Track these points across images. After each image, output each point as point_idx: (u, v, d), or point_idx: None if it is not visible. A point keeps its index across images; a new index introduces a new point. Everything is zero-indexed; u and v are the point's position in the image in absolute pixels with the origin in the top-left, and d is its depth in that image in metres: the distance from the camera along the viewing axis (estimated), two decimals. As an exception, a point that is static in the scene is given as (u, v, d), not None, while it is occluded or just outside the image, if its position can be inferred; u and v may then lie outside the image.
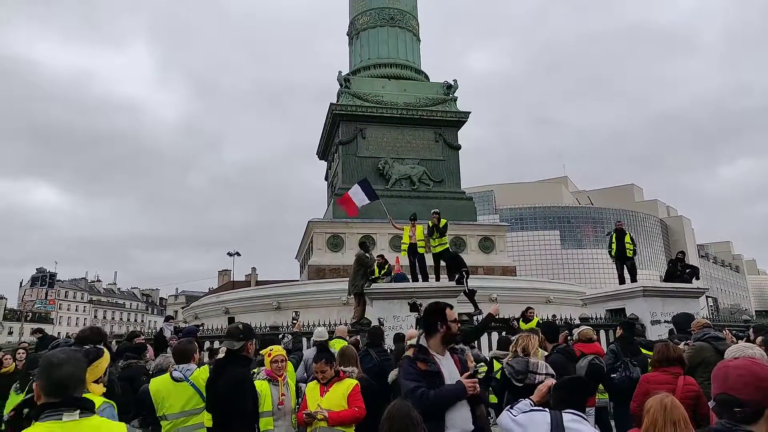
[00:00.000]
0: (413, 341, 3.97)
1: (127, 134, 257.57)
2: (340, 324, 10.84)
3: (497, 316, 6.02)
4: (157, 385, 4.44)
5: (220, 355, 4.83)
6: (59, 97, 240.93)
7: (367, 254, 13.57)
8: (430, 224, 12.91)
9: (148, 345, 8.04)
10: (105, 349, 3.83)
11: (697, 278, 14.13)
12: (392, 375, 6.15)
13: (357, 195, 16.66)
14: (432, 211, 13.46)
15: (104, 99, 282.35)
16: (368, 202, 16.81)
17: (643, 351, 7.34)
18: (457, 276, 12.91)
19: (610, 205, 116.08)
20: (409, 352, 3.88)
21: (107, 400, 3.09)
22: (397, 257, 16.20)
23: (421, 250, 12.73)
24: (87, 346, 4.21)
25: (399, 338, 9.18)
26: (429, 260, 13.42)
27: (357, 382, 4.89)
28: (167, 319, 16.20)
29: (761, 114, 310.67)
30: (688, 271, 14.00)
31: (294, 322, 11.50)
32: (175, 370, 4.51)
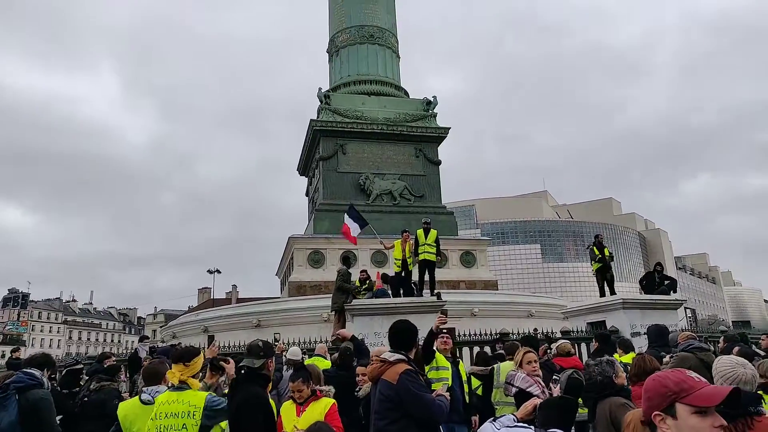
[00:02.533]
0: (386, 356, 3.88)
1: (95, 154, 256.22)
2: (320, 342, 10.67)
3: (441, 330, 5.89)
4: (125, 409, 4.28)
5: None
6: (24, 119, 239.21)
7: (348, 269, 13.46)
8: (419, 232, 12.82)
9: (121, 366, 7.78)
10: None
11: (674, 291, 14.26)
12: (364, 390, 6.04)
13: (351, 225, 16.78)
14: (423, 220, 13.44)
15: (71, 120, 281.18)
16: (360, 231, 16.85)
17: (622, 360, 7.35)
18: (436, 291, 12.86)
19: (590, 218, 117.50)
20: (397, 368, 3.79)
21: None
22: (378, 273, 16.12)
23: (411, 267, 12.65)
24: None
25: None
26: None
27: (334, 401, 4.78)
28: (142, 339, 15.84)
29: (716, 130, 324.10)
30: (666, 282, 14.15)
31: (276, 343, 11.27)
32: (144, 392, 4.35)
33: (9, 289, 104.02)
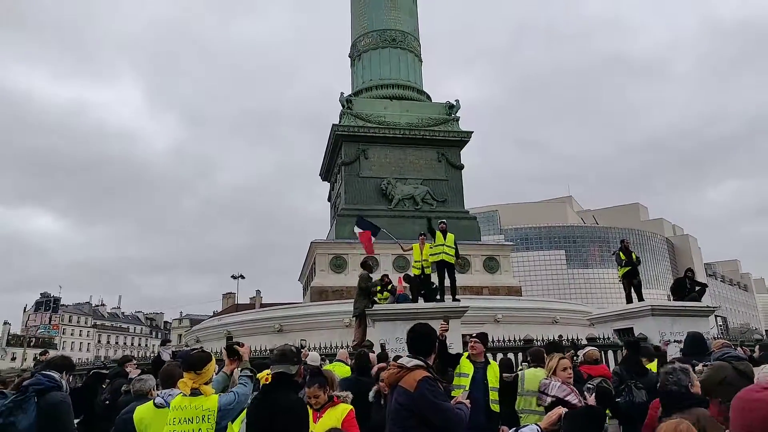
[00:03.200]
0: (404, 361, 3.75)
1: (119, 162, 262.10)
2: (341, 347, 10.57)
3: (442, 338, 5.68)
4: (141, 413, 4.22)
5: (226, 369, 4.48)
6: (52, 127, 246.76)
7: (369, 274, 13.32)
8: (438, 234, 12.64)
9: (134, 369, 7.78)
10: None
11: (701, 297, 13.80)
12: (373, 392, 5.93)
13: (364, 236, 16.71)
14: (440, 221, 13.26)
15: (96, 129, 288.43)
16: (374, 238, 16.75)
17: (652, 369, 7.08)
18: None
19: (616, 224, 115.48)
20: (415, 375, 3.63)
21: None
22: (400, 278, 15.98)
23: (428, 271, 12.47)
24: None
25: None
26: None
27: (351, 407, 4.66)
28: (164, 342, 15.96)
29: (739, 138, 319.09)
30: (697, 288, 13.70)
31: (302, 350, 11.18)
32: (158, 395, 4.29)
33: (41, 293, 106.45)
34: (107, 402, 6.83)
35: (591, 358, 6.21)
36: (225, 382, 4.22)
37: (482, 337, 6.72)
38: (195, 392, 3.87)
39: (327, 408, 4.60)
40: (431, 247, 12.52)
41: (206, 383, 3.96)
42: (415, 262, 12.76)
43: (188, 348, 18.21)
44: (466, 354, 6.57)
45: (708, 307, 13.30)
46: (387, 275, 14.89)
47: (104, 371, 7.33)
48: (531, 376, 6.76)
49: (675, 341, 11.86)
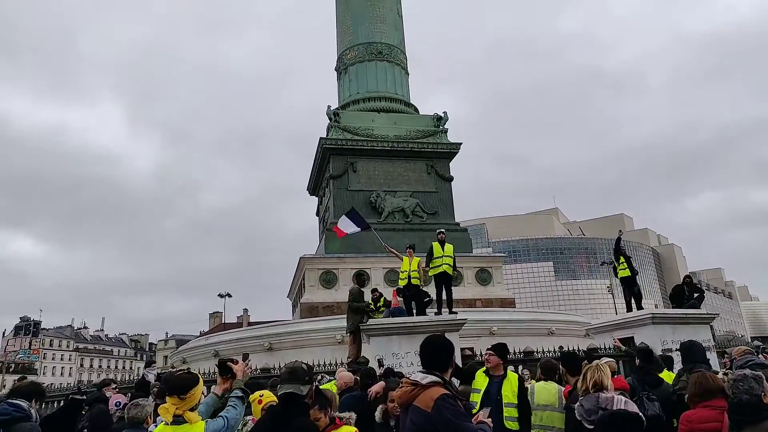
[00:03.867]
0: (417, 377, 3.34)
1: (101, 184, 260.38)
2: (335, 364, 10.08)
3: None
4: None
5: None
6: (31, 150, 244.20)
7: (361, 289, 12.86)
8: (435, 245, 12.29)
9: (114, 394, 7.25)
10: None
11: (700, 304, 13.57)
12: (379, 412, 5.46)
13: (344, 223, 16.15)
14: (438, 231, 12.93)
15: (77, 151, 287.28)
16: (359, 230, 16.21)
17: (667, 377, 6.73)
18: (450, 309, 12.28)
19: (602, 234, 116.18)
20: (431, 393, 3.21)
21: None
22: (394, 291, 15.55)
23: (415, 282, 12.05)
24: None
25: (389, 374, 8.47)
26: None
27: (355, 429, 4.23)
28: (149, 364, 15.31)
29: (713, 149, 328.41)
30: (696, 296, 13.46)
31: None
32: (155, 425, 3.82)
33: (21, 318, 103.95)
34: (85, 430, 6.32)
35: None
36: (215, 404, 3.77)
37: (498, 348, 6.30)
38: (178, 420, 3.42)
39: (329, 431, 4.18)
40: (432, 259, 12.17)
41: (192, 409, 3.52)
42: (402, 272, 12.39)
43: (174, 369, 17.53)
44: (483, 369, 6.16)
45: (709, 314, 13.06)
46: (376, 289, 14.49)
47: (80, 397, 6.77)
48: (541, 389, 6.36)
49: (676, 350, 11.58)
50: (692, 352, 6.23)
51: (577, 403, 4.19)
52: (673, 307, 13.68)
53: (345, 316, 13.37)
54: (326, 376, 8.43)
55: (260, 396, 4.30)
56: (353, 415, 4.46)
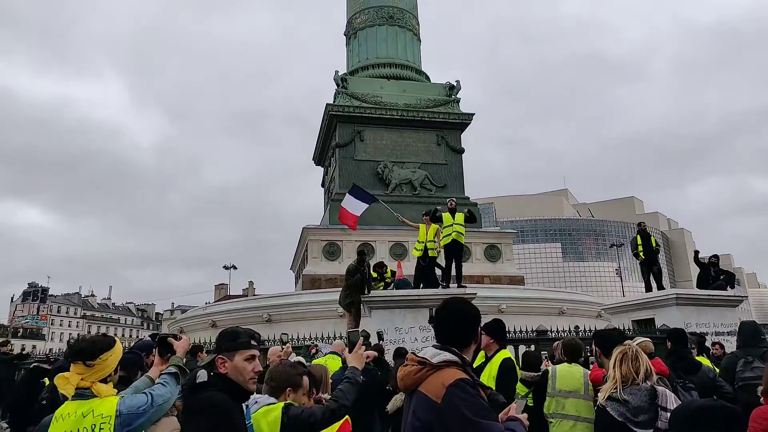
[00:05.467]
0: (427, 353, 2.47)
1: (103, 157, 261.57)
2: (338, 338, 9.32)
3: None
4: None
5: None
6: (34, 123, 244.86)
7: (360, 265, 11.82)
8: (446, 215, 11.43)
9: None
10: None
11: (732, 286, 12.66)
12: (394, 403, 4.63)
13: (352, 205, 15.06)
14: (448, 199, 12.08)
15: (82, 124, 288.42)
16: (366, 207, 15.24)
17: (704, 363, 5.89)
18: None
19: (611, 217, 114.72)
20: (443, 377, 2.34)
21: None
22: (399, 263, 14.77)
23: (431, 253, 11.20)
24: None
25: (400, 354, 7.67)
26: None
27: (346, 416, 3.42)
28: (154, 336, 14.54)
29: (717, 136, 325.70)
30: (723, 276, 12.55)
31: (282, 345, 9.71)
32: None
33: (29, 284, 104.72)
34: (44, 402, 5.58)
35: (645, 352, 4.97)
36: (146, 387, 2.97)
37: (491, 326, 5.41)
38: (84, 393, 2.64)
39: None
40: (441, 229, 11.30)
41: (104, 380, 2.73)
42: (418, 242, 11.53)
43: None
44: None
45: (737, 296, 12.17)
46: (382, 262, 13.67)
47: (46, 366, 6.01)
48: (565, 373, 5.51)
49: (701, 333, 10.73)
50: (754, 334, 5.36)
51: (612, 399, 3.25)
52: (698, 288, 12.78)
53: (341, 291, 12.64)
54: (321, 350, 7.63)
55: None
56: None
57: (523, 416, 2.36)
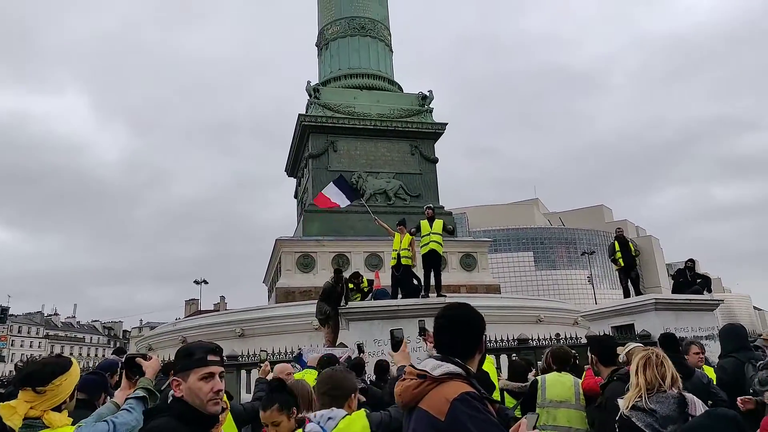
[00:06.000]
0: (428, 365, 2.20)
1: (66, 173, 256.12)
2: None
3: None
4: None
5: None
6: None
7: (337, 284, 11.43)
8: (423, 223, 11.23)
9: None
10: None
11: (710, 290, 12.73)
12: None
13: (334, 194, 15.00)
14: (426, 206, 11.87)
15: (44, 139, 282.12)
16: (349, 203, 15.17)
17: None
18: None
19: (581, 225, 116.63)
20: (446, 391, 2.07)
21: None
22: (377, 273, 14.49)
23: (405, 261, 10.95)
24: None
25: (382, 369, 7.36)
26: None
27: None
28: (118, 351, 13.82)
29: (676, 146, 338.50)
30: (699, 281, 12.62)
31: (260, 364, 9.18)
32: (311, 420, 2.89)
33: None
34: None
35: None
36: (111, 414, 2.63)
37: None
38: (33, 424, 2.29)
39: (294, 439, 3.05)
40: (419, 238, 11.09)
41: (58, 408, 2.40)
42: (393, 251, 11.28)
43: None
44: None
45: (714, 300, 12.22)
46: (357, 272, 13.38)
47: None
48: (554, 382, 5.29)
49: (680, 338, 10.70)
50: (746, 336, 5.22)
51: (637, 408, 2.98)
52: (673, 293, 12.81)
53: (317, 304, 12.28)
54: (296, 365, 7.26)
55: None
56: (328, 417, 3.32)
57: None
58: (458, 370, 2.12)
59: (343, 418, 2.84)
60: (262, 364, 6.37)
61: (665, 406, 2.90)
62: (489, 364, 4.95)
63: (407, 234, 11.27)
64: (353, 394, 3.08)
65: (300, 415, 3.15)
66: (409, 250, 10.93)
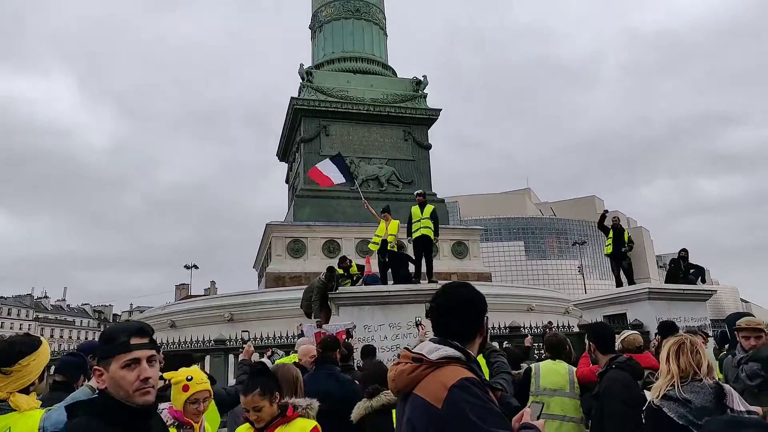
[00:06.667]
0: (424, 349, 2.01)
1: (52, 156, 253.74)
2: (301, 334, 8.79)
3: None
4: None
5: None
6: None
7: (329, 282, 11.29)
8: (414, 209, 11.09)
9: None
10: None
11: (704, 280, 12.67)
12: (359, 409, 4.07)
13: (330, 170, 14.81)
14: (416, 192, 11.71)
15: (29, 122, 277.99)
16: (344, 181, 15.03)
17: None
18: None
19: (573, 216, 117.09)
20: (444, 376, 1.89)
21: None
22: (368, 257, 14.33)
23: (392, 248, 10.80)
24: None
25: (369, 352, 7.20)
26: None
27: (315, 423, 2.94)
28: None
29: (663, 140, 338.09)
30: (692, 271, 12.55)
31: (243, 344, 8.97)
32: None
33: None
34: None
35: (633, 346, 4.64)
36: (87, 398, 2.45)
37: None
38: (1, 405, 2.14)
39: (277, 426, 2.87)
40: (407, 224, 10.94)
41: (25, 390, 2.24)
42: (375, 236, 11.13)
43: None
44: None
45: (707, 290, 12.16)
46: (346, 257, 13.25)
47: None
48: (549, 370, 5.14)
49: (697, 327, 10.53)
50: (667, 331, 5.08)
51: (669, 398, 2.75)
52: (667, 282, 12.74)
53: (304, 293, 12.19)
54: (278, 351, 7.08)
55: (187, 379, 2.85)
56: (314, 403, 3.14)
57: (540, 422, 1.93)
58: (457, 353, 1.94)
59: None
60: (245, 345, 6.19)
61: (701, 396, 2.68)
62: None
63: (393, 221, 11.15)
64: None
65: (283, 401, 2.98)
66: (396, 236, 10.79)
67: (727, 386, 2.76)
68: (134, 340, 2.00)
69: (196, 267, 60.14)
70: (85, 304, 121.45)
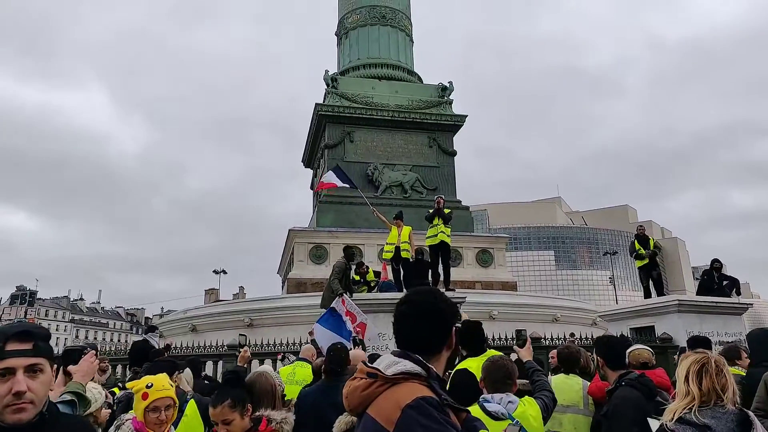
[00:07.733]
0: (381, 364, 1.78)
1: (86, 163, 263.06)
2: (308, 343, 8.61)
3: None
4: None
5: None
6: (17, 129, 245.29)
7: (348, 262, 11.26)
8: (430, 211, 10.85)
9: None
10: None
11: (738, 292, 12.05)
12: (341, 424, 3.81)
13: (332, 179, 15.19)
14: (436, 196, 11.48)
15: (63, 131, 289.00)
16: (344, 185, 15.39)
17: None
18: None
19: (605, 225, 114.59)
20: (398, 394, 1.66)
21: None
22: (384, 264, 14.11)
23: (405, 255, 10.55)
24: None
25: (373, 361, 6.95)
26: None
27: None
28: (150, 329, 13.49)
29: (691, 151, 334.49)
30: (726, 283, 11.94)
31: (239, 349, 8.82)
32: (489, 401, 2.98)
33: (17, 287, 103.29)
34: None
35: (637, 361, 4.26)
36: None
37: (460, 330, 4.72)
38: None
39: (249, 440, 2.68)
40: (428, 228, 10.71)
41: None
42: (387, 245, 10.90)
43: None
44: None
45: (742, 303, 11.55)
46: (362, 262, 13.08)
47: None
48: (561, 385, 4.83)
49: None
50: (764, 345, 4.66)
51: (685, 422, 2.42)
52: (698, 294, 12.15)
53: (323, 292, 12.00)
54: (290, 355, 6.92)
55: (147, 387, 2.68)
56: (290, 417, 2.93)
57: None
58: (417, 369, 1.70)
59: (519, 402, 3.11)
60: (242, 350, 6.03)
61: (722, 423, 2.37)
62: (467, 362, 4.47)
63: (406, 227, 10.93)
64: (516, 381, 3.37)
65: (257, 414, 2.78)
66: (409, 243, 10.56)
67: (752, 414, 2.42)
68: (10, 346, 1.71)
69: (224, 272, 60.74)
70: (119, 307, 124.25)
